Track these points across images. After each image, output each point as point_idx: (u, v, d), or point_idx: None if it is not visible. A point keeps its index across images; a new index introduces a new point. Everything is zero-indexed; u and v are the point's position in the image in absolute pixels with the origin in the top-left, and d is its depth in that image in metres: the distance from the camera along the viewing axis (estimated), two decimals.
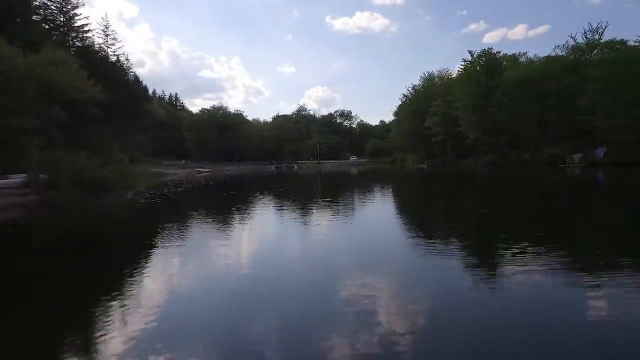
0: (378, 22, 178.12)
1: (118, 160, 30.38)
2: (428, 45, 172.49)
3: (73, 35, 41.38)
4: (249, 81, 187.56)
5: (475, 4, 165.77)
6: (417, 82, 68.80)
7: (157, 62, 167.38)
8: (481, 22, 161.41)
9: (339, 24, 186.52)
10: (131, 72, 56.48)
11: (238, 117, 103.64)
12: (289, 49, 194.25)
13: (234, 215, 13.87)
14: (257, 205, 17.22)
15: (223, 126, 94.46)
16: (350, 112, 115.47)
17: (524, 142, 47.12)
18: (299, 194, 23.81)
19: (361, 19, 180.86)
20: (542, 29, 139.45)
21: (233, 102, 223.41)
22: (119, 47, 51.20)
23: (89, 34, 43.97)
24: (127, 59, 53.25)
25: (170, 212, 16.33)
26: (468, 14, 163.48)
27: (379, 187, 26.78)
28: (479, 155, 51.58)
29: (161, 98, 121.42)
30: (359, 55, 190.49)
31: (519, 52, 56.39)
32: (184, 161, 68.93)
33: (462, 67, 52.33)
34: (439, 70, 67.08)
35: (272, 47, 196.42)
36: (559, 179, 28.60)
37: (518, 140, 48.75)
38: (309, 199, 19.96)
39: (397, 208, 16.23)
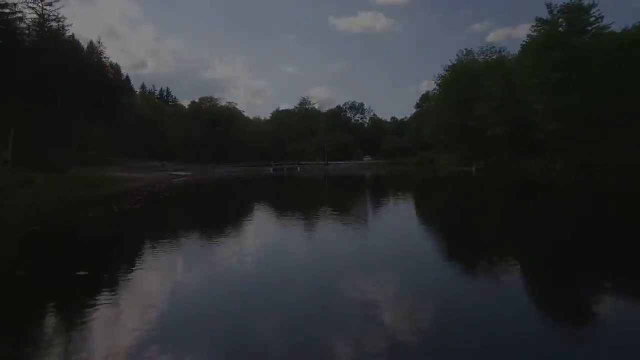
0: (381, 22, 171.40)
1: None
2: (432, 45, 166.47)
3: None
4: (251, 81, 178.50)
5: (478, 3, 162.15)
6: (423, 81, 56.93)
7: (159, 62, 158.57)
8: (485, 21, 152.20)
9: (342, 23, 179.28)
10: (105, 57, 52.36)
11: (230, 111, 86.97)
12: (291, 48, 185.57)
13: None
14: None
15: (212, 121, 79.47)
16: (363, 105, 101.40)
17: (623, 135, 32.92)
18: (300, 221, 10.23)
19: (364, 19, 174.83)
20: None
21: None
22: (58, 8, 37.95)
23: None
24: (99, 42, 47.47)
25: None
26: (472, 14, 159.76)
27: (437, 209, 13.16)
28: (549, 154, 37.57)
29: (151, 92, 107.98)
30: (363, 56, 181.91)
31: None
32: (155, 162, 54.82)
33: (533, 30, 37.50)
34: (480, 47, 53.16)
35: (275, 47, 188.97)
36: None
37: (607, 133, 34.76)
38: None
39: None
